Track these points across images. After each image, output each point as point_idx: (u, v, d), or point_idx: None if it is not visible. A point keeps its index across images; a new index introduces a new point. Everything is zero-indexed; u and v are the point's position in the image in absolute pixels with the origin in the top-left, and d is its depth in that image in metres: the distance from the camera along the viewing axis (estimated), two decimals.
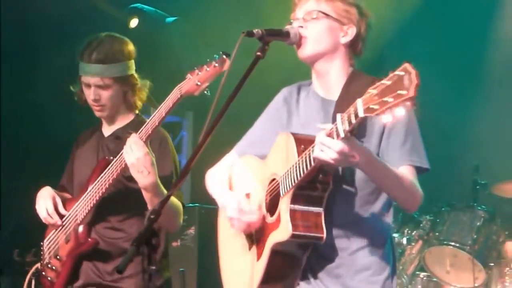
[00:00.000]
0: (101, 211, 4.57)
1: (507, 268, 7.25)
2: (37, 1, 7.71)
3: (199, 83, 4.14)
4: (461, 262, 7.33)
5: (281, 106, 3.84)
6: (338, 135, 3.10)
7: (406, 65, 2.80)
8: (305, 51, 3.65)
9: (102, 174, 4.45)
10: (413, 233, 7.59)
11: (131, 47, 4.71)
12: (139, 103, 4.75)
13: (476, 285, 7.17)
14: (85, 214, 4.53)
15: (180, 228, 4.99)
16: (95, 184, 4.48)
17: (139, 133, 4.28)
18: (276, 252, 3.51)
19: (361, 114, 2.94)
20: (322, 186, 3.40)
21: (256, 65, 3.46)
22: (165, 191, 4.29)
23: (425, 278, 7.52)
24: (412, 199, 3.52)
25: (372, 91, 2.89)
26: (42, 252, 4.78)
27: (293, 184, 3.37)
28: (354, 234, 3.57)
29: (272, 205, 3.58)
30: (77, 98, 4.79)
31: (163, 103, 4.26)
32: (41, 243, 4.80)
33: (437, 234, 7.45)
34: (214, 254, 4.06)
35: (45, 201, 4.64)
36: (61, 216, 4.63)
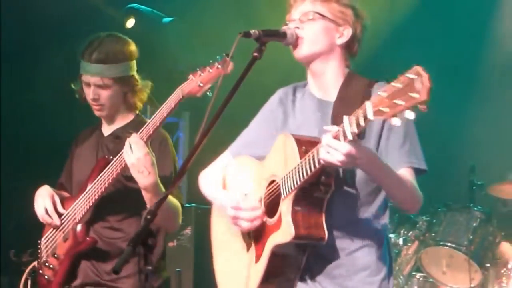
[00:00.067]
0: (100, 211, 4.57)
1: (504, 269, 7.25)
2: (37, 1, 7.72)
3: (201, 85, 4.13)
4: (457, 263, 7.34)
5: (276, 107, 3.84)
6: (345, 137, 3.10)
7: (418, 68, 2.79)
8: (301, 51, 3.65)
9: (102, 174, 4.45)
10: (409, 234, 7.59)
11: (133, 47, 4.70)
12: (139, 104, 4.75)
13: (472, 285, 7.17)
14: (83, 213, 4.53)
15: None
16: (94, 183, 4.48)
17: (139, 133, 4.28)
18: (276, 253, 3.51)
19: (370, 116, 2.94)
20: (324, 188, 3.40)
21: (253, 66, 3.46)
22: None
23: (421, 279, 7.51)
24: (413, 201, 3.54)
25: (382, 93, 2.88)
26: (39, 250, 4.78)
27: (296, 185, 3.37)
28: (351, 234, 3.57)
29: (271, 207, 3.58)
30: (78, 96, 4.78)
31: (164, 103, 4.26)
32: (39, 241, 4.80)
33: (433, 234, 7.44)
34: (210, 254, 4.05)
35: (44, 200, 4.64)
36: (59, 215, 4.63)
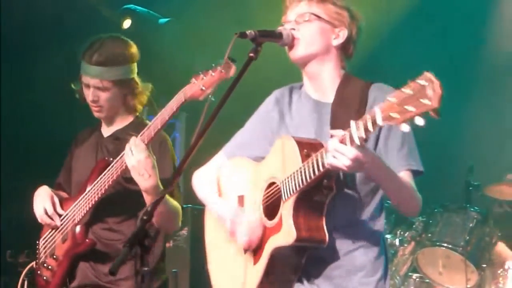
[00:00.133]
0: (99, 212, 4.57)
1: (500, 269, 7.25)
2: (37, 1, 7.71)
3: (203, 88, 4.10)
4: (453, 263, 7.33)
5: (272, 107, 3.83)
6: (352, 142, 3.10)
7: (429, 75, 2.79)
8: (297, 52, 3.65)
9: (102, 175, 4.45)
10: (405, 234, 7.59)
11: (133, 50, 4.70)
12: (139, 107, 4.74)
13: (468, 286, 7.16)
14: (83, 215, 4.52)
15: None
16: (94, 185, 4.48)
17: (140, 136, 4.27)
18: (276, 256, 3.51)
19: (379, 122, 2.94)
20: (325, 191, 3.40)
21: (249, 67, 3.46)
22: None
23: (417, 279, 7.51)
24: (413, 204, 3.56)
25: (391, 99, 2.88)
26: (37, 251, 4.78)
27: (298, 188, 3.37)
28: (348, 235, 3.58)
29: (270, 209, 3.58)
30: (78, 96, 4.78)
31: (166, 106, 4.23)
32: (37, 242, 4.80)
33: (429, 235, 7.44)
34: (206, 255, 4.05)
35: (43, 201, 4.64)
36: (58, 216, 4.63)
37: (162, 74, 6.66)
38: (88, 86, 4.62)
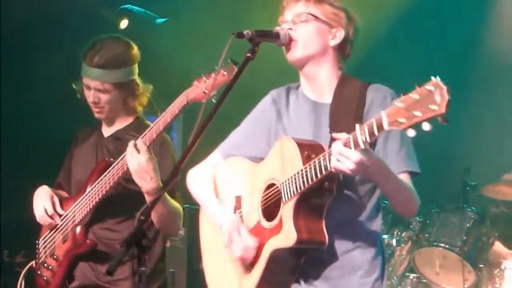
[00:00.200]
0: (99, 212, 4.56)
1: (497, 270, 7.26)
2: (37, 1, 7.71)
3: (206, 91, 4.09)
4: (450, 264, 7.35)
5: (269, 107, 3.83)
6: (357, 146, 3.10)
7: (437, 80, 2.79)
8: (295, 54, 3.65)
9: (102, 176, 4.44)
10: (402, 235, 7.59)
11: (134, 51, 4.68)
12: (139, 108, 4.74)
13: (465, 286, 7.18)
14: (83, 216, 4.52)
15: None
16: (95, 186, 4.47)
17: (142, 137, 4.26)
18: (275, 257, 3.51)
19: (386, 126, 2.94)
20: (326, 193, 3.41)
21: (246, 67, 3.46)
22: (167, 195, 4.29)
23: (414, 280, 7.52)
24: (412, 206, 3.57)
25: (398, 104, 2.88)
26: (37, 251, 4.78)
27: (299, 190, 3.37)
28: (345, 235, 3.58)
29: (269, 210, 3.57)
30: (79, 96, 4.77)
31: (168, 108, 4.21)
32: (37, 241, 4.79)
33: (426, 235, 7.45)
34: None
35: (43, 201, 4.64)
36: (58, 216, 4.62)
37: (159, 74, 6.66)
38: (89, 87, 4.62)
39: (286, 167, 3.47)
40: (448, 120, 2.74)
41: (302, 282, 3.58)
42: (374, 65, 7.70)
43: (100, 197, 4.44)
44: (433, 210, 7.55)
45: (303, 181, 3.34)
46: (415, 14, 8.56)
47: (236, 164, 3.87)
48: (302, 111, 3.73)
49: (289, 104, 3.79)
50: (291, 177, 3.40)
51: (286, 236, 3.41)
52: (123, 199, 4.53)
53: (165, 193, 4.25)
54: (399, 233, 7.61)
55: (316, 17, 3.65)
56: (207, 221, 3.93)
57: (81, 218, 4.52)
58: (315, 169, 3.29)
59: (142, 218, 3.13)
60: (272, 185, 3.57)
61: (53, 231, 4.68)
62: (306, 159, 3.37)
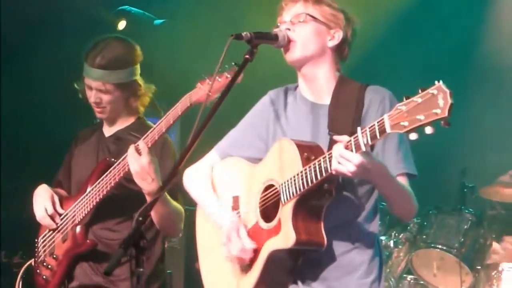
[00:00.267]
0: (99, 212, 4.56)
1: (494, 271, 7.25)
2: (37, 1, 7.71)
3: (209, 94, 4.09)
4: (448, 265, 7.34)
5: (267, 108, 3.83)
6: (358, 148, 3.11)
7: (440, 84, 2.81)
8: (294, 55, 3.66)
9: (103, 176, 4.44)
10: (400, 236, 7.59)
11: (136, 51, 4.70)
12: (141, 108, 4.74)
13: None
14: (83, 215, 4.52)
15: None
16: (95, 186, 4.47)
17: (144, 139, 4.26)
18: (273, 258, 3.51)
19: (388, 130, 2.95)
20: (325, 195, 3.41)
21: (244, 68, 3.46)
22: (168, 196, 4.29)
23: (412, 281, 7.52)
24: (411, 210, 3.58)
25: (401, 107, 2.89)
26: (36, 249, 4.77)
27: (298, 192, 3.37)
28: (343, 237, 3.58)
29: (268, 211, 3.57)
30: (81, 96, 4.78)
31: (170, 110, 4.21)
32: (36, 240, 4.79)
33: (424, 237, 7.45)
34: None
35: (43, 201, 4.64)
36: (58, 215, 4.62)
37: (157, 75, 6.65)
38: (90, 88, 4.63)
39: (285, 169, 3.47)
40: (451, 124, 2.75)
41: (299, 283, 3.58)
42: (373, 66, 7.70)
43: (101, 197, 4.44)
44: (430, 212, 7.55)
45: (303, 183, 3.34)
46: (414, 15, 8.56)
47: (233, 164, 3.86)
48: (300, 112, 3.73)
49: (287, 105, 3.79)
50: (291, 179, 3.40)
51: (285, 237, 3.41)
52: (124, 199, 4.53)
53: (166, 194, 4.25)
54: (396, 234, 7.60)
55: (314, 18, 3.66)
56: (205, 220, 3.92)
57: (81, 217, 4.53)
58: (315, 171, 3.30)
59: (140, 219, 3.13)
60: (270, 186, 3.57)
61: (53, 230, 4.68)
62: (306, 161, 3.37)
